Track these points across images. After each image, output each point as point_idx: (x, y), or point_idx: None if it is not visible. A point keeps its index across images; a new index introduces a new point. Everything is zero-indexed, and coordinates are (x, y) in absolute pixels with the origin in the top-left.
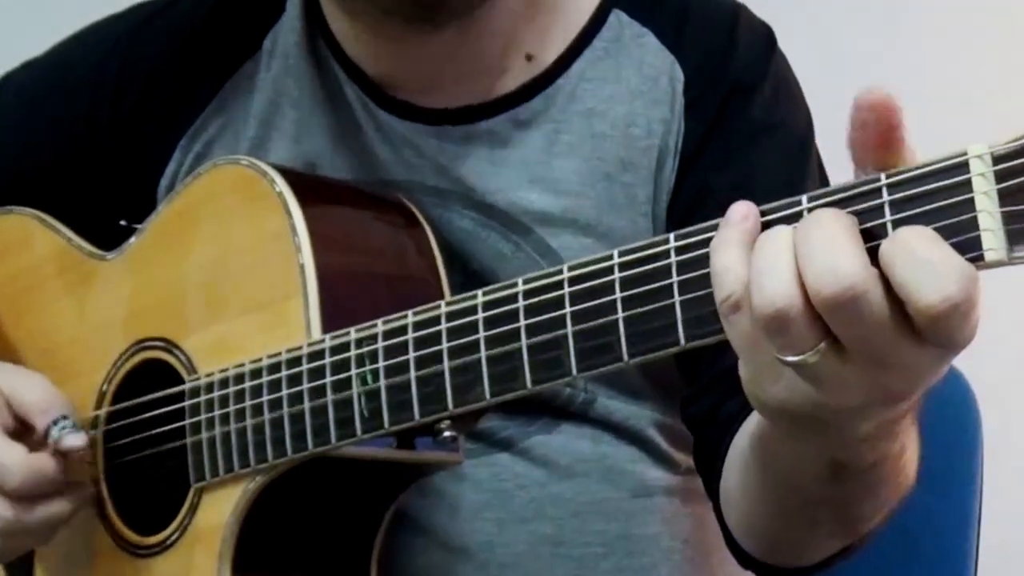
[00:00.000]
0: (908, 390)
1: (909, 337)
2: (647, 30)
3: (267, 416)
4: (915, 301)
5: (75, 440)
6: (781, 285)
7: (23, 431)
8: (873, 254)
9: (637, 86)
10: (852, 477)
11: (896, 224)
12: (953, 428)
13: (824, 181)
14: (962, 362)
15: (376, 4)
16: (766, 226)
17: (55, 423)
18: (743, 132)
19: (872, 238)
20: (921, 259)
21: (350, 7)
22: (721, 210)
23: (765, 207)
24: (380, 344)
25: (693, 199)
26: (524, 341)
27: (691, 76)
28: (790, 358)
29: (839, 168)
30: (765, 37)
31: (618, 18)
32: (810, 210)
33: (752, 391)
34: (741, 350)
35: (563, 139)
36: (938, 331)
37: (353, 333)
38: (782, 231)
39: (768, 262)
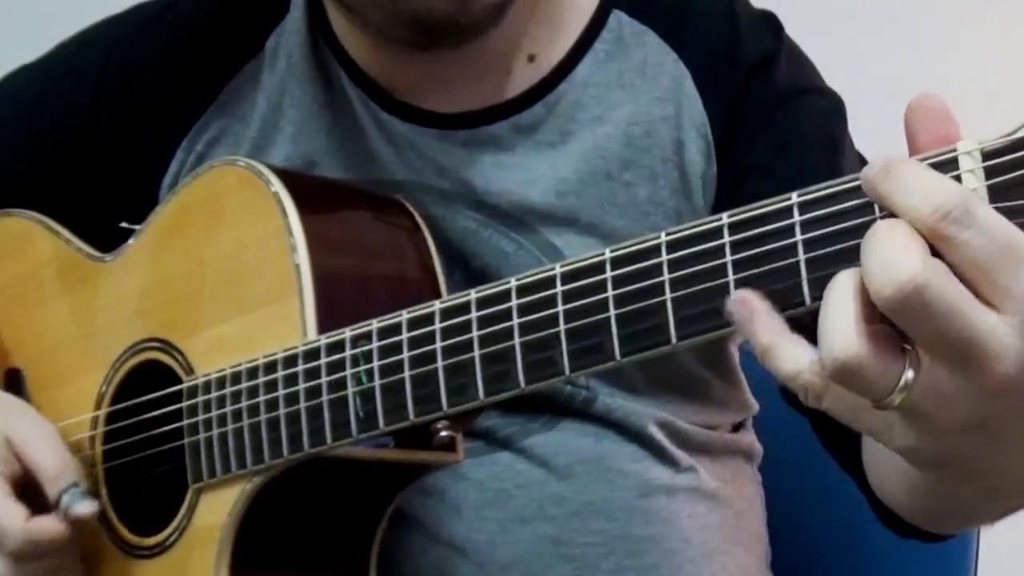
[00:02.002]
0: (1015, 381)
1: (988, 312)
2: (647, 28)
3: (263, 417)
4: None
5: (85, 509)
6: (838, 335)
7: (28, 480)
8: None
9: (639, 86)
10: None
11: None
12: None
13: (861, 160)
14: None
15: (386, 31)
16: (761, 220)
17: (66, 491)
18: (772, 102)
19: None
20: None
21: (359, 23)
22: (764, 180)
23: (749, 206)
24: (374, 344)
25: (737, 180)
26: (517, 340)
27: (697, 68)
28: (884, 401)
29: None
30: (768, 18)
31: (618, 19)
32: (800, 206)
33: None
34: (851, 422)
35: (566, 143)
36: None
37: (348, 333)
38: (838, 277)
39: (823, 322)
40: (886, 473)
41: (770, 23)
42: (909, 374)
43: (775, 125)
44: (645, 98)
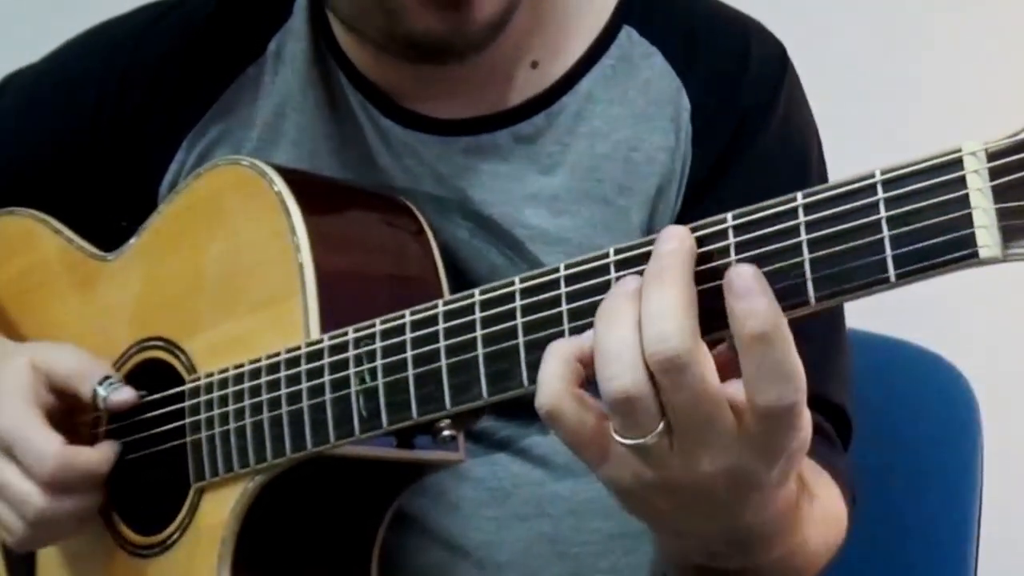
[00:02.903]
0: (720, 478)
1: (728, 413)
2: (655, 49)
3: (266, 416)
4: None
5: (124, 395)
6: (629, 368)
7: (65, 409)
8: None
9: (642, 109)
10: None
11: (891, 222)
12: (953, 428)
13: (825, 180)
14: (962, 362)
15: (385, 49)
16: (760, 223)
17: (100, 384)
18: (755, 162)
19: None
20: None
21: (358, 36)
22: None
23: (756, 206)
24: (378, 344)
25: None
26: (521, 339)
27: (698, 103)
28: (639, 441)
29: (834, 166)
30: (777, 59)
31: (628, 36)
32: (806, 208)
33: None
34: (575, 446)
35: (564, 158)
36: (762, 427)
37: (351, 332)
38: (623, 309)
39: (615, 344)
40: None
41: (777, 66)
42: (661, 425)
43: (753, 189)
44: (647, 125)
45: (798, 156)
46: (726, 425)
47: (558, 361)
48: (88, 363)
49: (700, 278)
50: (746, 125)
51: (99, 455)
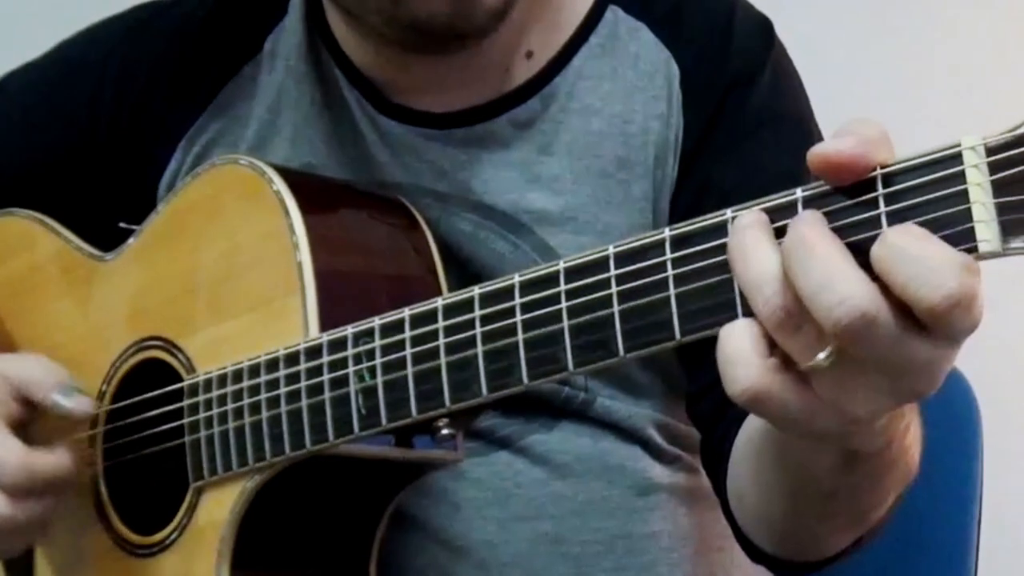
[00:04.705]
0: (927, 387)
1: (920, 339)
2: (642, 24)
3: (265, 414)
4: (918, 302)
5: (78, 403)
6: (778, 288)
7: (28, 419)
8: (862, 257)
9: (633, 82)
10: (864, 462)
11: (890, 216)
12: (953, 428)
13: None
14: (962, 362)
15: (386, 35)
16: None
17: (56, 389)
18: (744, 125)
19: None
20: (917, 259)
21: (357, 26)
22: (723, 205)
23: (761, 199)
24: (377, 341)
25: (696, 194)
26: (520, 337)
27: (687, 70)
28: (806, 364)
29: None
30: (763, 27)
31: (614, 14)
32: (805, 201)
33: None
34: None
35: (561, 138)
36: (945, 326)
37: (350, 330)
38: (759, 239)
39: (756, 272)
40: (744, 486)
41: (763, 33)
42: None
43: (741, 151)
44: (640, 96)
45: (788, 124)
46: (920, 350)
47: (741, 336)
48: (47, 369)
49: (709, 272)
50: (733, 90)
51: (56, 458)
